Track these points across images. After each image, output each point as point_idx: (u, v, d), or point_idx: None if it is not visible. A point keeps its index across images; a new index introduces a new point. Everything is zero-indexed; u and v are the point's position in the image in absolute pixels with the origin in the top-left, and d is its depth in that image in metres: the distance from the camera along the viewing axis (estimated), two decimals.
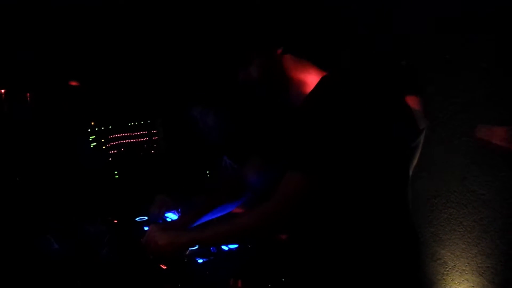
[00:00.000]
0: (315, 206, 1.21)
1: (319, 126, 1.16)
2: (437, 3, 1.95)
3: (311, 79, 1.27)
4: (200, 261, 1.58)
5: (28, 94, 2.37)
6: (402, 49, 1.43)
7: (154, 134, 2.59)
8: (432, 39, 2.00)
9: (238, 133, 1.92)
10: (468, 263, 2.00)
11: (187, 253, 1.57)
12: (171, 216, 1.97)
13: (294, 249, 1.35)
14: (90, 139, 2.41)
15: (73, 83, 2.48)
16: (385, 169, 1.24)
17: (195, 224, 1.55)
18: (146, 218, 1.94)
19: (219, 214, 1.59)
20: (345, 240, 1.26)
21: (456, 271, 2.05)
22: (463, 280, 2.03)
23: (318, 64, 1.28)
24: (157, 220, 1.81)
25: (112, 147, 2.48)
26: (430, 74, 2.02)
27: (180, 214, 1.93)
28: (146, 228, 1.75)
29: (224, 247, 1.62)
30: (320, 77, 1.25)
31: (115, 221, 1.93)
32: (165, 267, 1.53)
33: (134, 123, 2.54)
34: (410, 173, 1.34)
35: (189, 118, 2.08)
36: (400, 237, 1.29)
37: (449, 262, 2.07)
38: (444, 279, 2.10)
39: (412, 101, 1.32)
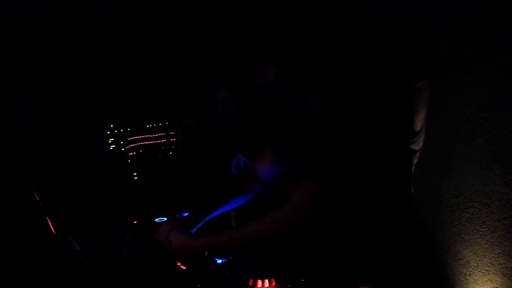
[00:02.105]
0: (328, 211, 1.22)
1: (334, 140, 1.18)
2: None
3: (327, 85, 1.28)
4: (219, 261, 1.59)
5: (46, 98, 2.41)
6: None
7: (172, 136, 2.61)
8: (451, 36, 1.97)
9: (256, 127, 1.91)
10: (491, 264, 1.96)
11: (205, 253, 1.58)
12: None
13: (311, 250, 1.36)
14: (109, 141, 2.44)
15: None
16: (392, 172, 1.26)
17: (208, 218, 1.57)
18: (165, 219, 1.95)
19: (231, 207, 1.61)
20: (358, 241, 1.27)
21: (479, 271, 2.01)
22: (486, 281, 1.99)
23: (333, 73, 1.29)
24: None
25: (131, 149, 2.50)
26: (450, 72, 1.99)
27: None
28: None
29: None
30: (336, 84, 1.26)
31: (135, 222, 1.95)
32: (185, 268, 1.54)
33: (152, 125, 2.56)
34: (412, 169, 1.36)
35: (210, 102, 2.05)
36: (410, 230, 1.30)
37: (471, 262, 2.03)
38: (466, 279, 2.07)
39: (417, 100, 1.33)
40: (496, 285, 1.96)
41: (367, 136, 1.18)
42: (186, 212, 2.02)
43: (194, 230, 1.57)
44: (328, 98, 1.25)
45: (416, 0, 2.03)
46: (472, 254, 2.03)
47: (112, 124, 2.45)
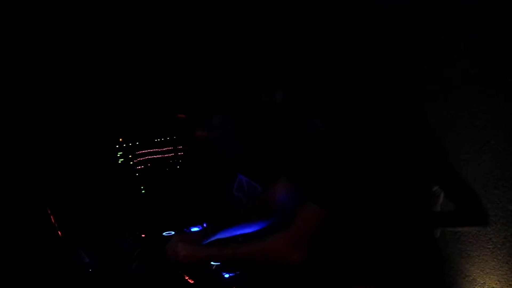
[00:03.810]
0: (334, 234, 1.23)
1: (340, 164, 1.18)
2: (463, 16, 1.95)
3: (335, 106, 1.29)
4: (227, 275, 1.59)
5: (55, 111, 2.44)
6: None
7: (180, 150, 2.63)
8: (458, 53, 1.99)
9: (256, 149, 1.92)
10: (498, 281, 1.96)
11: (213, 267, 1.58)
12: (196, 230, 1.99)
13: (319, 268, 1.36)
14: (118, 155, 2.46)
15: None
16: (400, 194, 1.25)
17: (216, 237, 1.57)
18: (173, 233, 1.96)
19: (244, 231, 1.60)
20: (366, 264, 1.27)
21: None
22: None
23: (342, 94, 1.30)
24: None
25: (139, 163, 2.52)
26: (456, 89, 2.01)
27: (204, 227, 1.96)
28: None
29: None
30: (345, 104, 1.27)
31: (143, 236, 1.96)
32: (192, 282, 1.55)
33: (161, 139, 2.59)
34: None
35: (210, 124, 2.07)
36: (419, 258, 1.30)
37: (478, 280, 2.03)
38: None
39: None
40: None
41: (372, 157, 1.18)
42: (193, 226, 2.03)
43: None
44: (333, 119, 1.25)
45: (425, 19, 2.05)
46: (479, 271, 2.02)
47: (121, 138, 2.47)
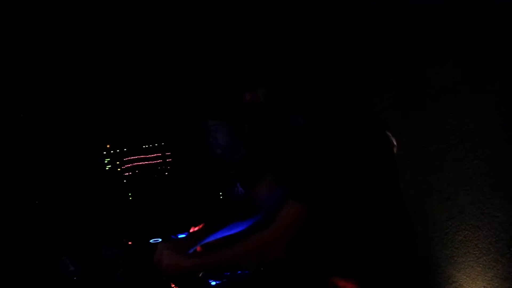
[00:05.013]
0: (316, 234, 1.23)
1: (320, 162, 1.19)
2: (449, 23, 1.97)
3: (318, 102, 1.30)
4: (213, 283, 1.59)
5: (42, 117, 2.43)
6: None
7: (168, 156, 2.62)
8: (442, 60, 2.01)
9: (249, 158, 1.92)
10: (484, 286, 1.97)
11: (200, 275, 1.57)
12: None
13: (304, 274, 1.36)
14: (106, 162, 2.45)
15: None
16: (378, 197, 1.26)
17: (205, 241, 1.57)
18: (160, 240, 1.95)
19: (229, 233, 1.60)
20: (349, 267, 1.27)
21: None
22: None
23: (324, 89, 1.31)
24: None
25: (127, 169, 2.51)
26: (441, 96, 2.03)
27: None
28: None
29: None
30: (325, 100, 1.28)
31: (130, 243, 1.95)
32: None
33: (148, 146, 2.58)
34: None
35: (203, 130, 2.07)
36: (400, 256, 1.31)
37: (464, 285, 2.04)
38: None
39: None
40: None
41: (351, 152, 1.19)
42: (180, 233, 2.02)
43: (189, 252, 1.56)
44: (314, 114, 1.26)
45: (413, 27, 2.08)
46: (465, 277, 2.04)
47: (108, 144, 2.46)
